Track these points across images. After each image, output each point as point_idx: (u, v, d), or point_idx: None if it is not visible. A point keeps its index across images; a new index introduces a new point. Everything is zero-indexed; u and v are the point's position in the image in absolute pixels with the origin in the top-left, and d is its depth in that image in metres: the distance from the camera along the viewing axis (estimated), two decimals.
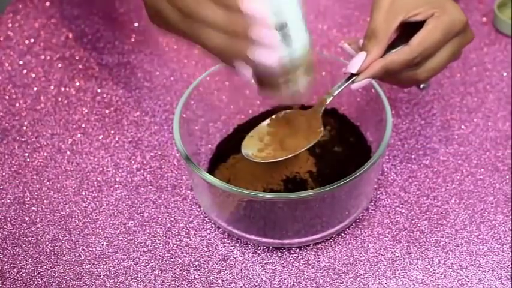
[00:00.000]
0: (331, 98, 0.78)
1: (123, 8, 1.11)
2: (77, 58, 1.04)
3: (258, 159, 0.77)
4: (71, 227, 0.85)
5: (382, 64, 0.75)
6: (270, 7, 0.64)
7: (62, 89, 1.00)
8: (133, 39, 1.06)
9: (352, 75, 0.76)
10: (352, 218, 0.83)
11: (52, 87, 1.00)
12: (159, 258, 0.82)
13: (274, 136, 0.79)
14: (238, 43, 0.64)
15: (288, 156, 0.76)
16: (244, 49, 0.64)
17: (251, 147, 0.78)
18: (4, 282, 0.81)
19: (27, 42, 1.06)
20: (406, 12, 0.76)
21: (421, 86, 0.82)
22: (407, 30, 0.77)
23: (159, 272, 0.81)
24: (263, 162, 0.80)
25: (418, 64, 0.76)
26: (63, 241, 0.84)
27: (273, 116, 0.80)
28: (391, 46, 0.77)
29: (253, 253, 0.83)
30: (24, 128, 0.96)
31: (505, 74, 1.00)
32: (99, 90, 1.00)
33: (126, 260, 0.82)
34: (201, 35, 0.65)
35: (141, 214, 0.86)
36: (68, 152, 0.93)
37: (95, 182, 0.90)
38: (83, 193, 0.89)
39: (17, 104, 0.98)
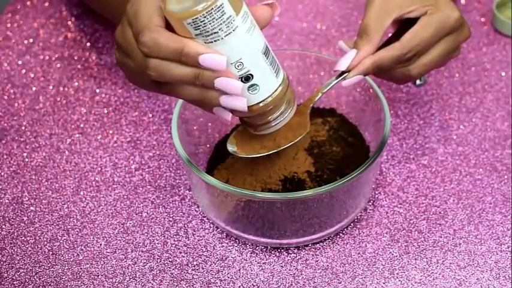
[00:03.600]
0: (321, 95, 0.78)
1: None
2: (75, 58, 1.04)
3: (242, 154, 0.77)
4: (69, 226, 0.85)
5: (373, 60, 0.75)
6: (231, 61, 0.66)
7: (61, 89, 1.00)
8: None
9: (343, 72, 0.76)
10: (350, 218, 0.83)
11: (51, 87, 1.00)
12: (158, 258, 0.82)
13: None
14: (210, 94, 0.67)
15: (270, 152, 0.76)
16: (216, 98, 0.68)
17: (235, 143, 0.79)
18: (2, 282, 0.81)
19: (26, 42, 1.06)
20: (399, 10, 0.76)
21: (417, 82, 0.82)
22: (405, 27, 0.77)
23: (158, 272, 0.81)
24: (261, 162, 0.80)
25: (410, 60, 0.76)
26: (61, 241, 0.84)
27: None
28: (388, 43, 0.77)
29: (251, 253, 0.83)
30: (23, 128, 0.96)
31: (503, 74, 1.00)
32: (97, 90, 1.00)
33: (125, 260, 0.82)
34: (177, 92, 0.68)
35: (140, 214, 0.86)
36: (67, 152, 0.93)
37: (94, 182, 0.90)
38: (82, 193, 0.89)
39: (16, 104, 0.98)
